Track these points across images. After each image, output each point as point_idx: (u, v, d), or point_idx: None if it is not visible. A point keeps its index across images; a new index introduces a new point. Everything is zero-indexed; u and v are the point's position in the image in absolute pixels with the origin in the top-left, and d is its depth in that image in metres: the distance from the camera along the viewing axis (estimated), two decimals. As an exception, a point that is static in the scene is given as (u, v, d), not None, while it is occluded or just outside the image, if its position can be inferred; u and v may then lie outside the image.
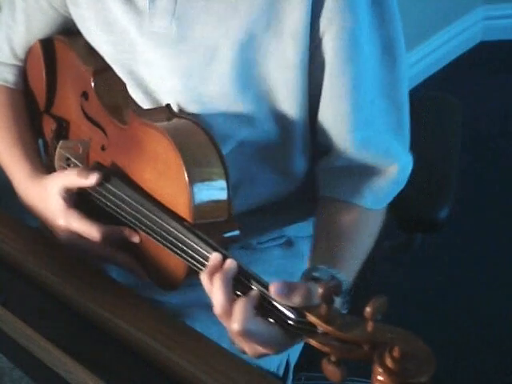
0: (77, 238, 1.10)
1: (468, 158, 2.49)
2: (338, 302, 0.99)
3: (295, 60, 1.05)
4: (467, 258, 2.32)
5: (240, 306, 0.89)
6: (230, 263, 0.92)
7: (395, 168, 1.13)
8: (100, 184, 1.09)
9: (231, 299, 0.91)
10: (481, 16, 3.11)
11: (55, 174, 1.15)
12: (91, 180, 1.08)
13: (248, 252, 1.27)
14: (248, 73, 1.08)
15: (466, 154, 2.10)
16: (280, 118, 1.11)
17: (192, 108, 1.11)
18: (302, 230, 1.30)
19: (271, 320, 0.89)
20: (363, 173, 1.13)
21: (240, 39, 1.05)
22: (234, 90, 1.08)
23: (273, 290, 0.87)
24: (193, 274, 1.00)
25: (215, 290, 0.91)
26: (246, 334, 0.89)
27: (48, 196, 1.13)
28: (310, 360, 1.30)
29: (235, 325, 0.89)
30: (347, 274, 1.05)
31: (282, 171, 1.18)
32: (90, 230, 1.08)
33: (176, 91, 1.11)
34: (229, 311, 0.90)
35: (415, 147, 1.21)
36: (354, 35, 1.04)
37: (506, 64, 3.06)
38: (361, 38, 1.05)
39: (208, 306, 1.17)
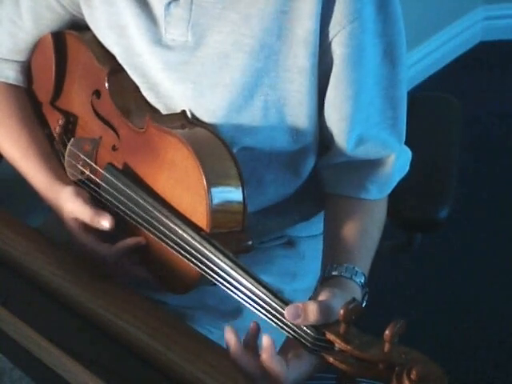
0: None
1: (468, 157, 2.49)
2: (358, 294, 1.02)
3: (306, 65, 1.07)
4: (467, 258, 2.32)
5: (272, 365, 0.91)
6: (252, 328, 0.93)
7: (393, 157, 1.15)
8: (114, 186, 1.10)
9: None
10: (481, 16, 3.11)
11: (72, 198, 1.14)
12: (105, 226, 1.09)
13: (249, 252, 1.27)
14: (257, 81, 1.09)
15: (466, 153, 2.10)
16: (290, 124, 1.12)
17: (199, 114, 1.11)
18: (303, 231, 1.31)
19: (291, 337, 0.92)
20: (363, 166, 1.16)
21: (251, 47, 1.07)
22: (241, 98, 1.09)
23: (286, 315, 0.90)
24: (205, 281, 1.00)
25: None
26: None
27: (63, 215, 1.14)
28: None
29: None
30: (364, 266, 1.08)
31: (293, 171, 1.19)
32: (99, 252, 1.09)
33: (185, 97, 1.11)
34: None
35: (415, 147, 1.21)
36: (360, 43, 1.06)
37: (506, 64, 3.05)
38: (366, 44, 1.07)
39: (209, 308, 1.17)
